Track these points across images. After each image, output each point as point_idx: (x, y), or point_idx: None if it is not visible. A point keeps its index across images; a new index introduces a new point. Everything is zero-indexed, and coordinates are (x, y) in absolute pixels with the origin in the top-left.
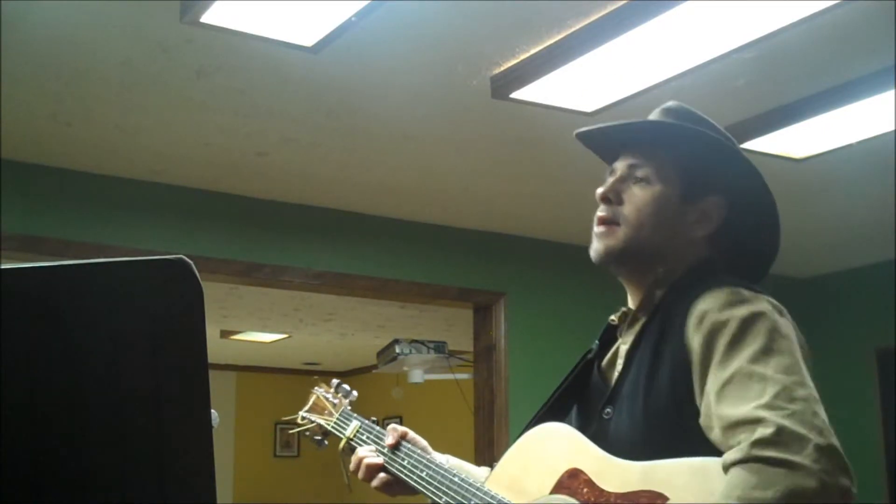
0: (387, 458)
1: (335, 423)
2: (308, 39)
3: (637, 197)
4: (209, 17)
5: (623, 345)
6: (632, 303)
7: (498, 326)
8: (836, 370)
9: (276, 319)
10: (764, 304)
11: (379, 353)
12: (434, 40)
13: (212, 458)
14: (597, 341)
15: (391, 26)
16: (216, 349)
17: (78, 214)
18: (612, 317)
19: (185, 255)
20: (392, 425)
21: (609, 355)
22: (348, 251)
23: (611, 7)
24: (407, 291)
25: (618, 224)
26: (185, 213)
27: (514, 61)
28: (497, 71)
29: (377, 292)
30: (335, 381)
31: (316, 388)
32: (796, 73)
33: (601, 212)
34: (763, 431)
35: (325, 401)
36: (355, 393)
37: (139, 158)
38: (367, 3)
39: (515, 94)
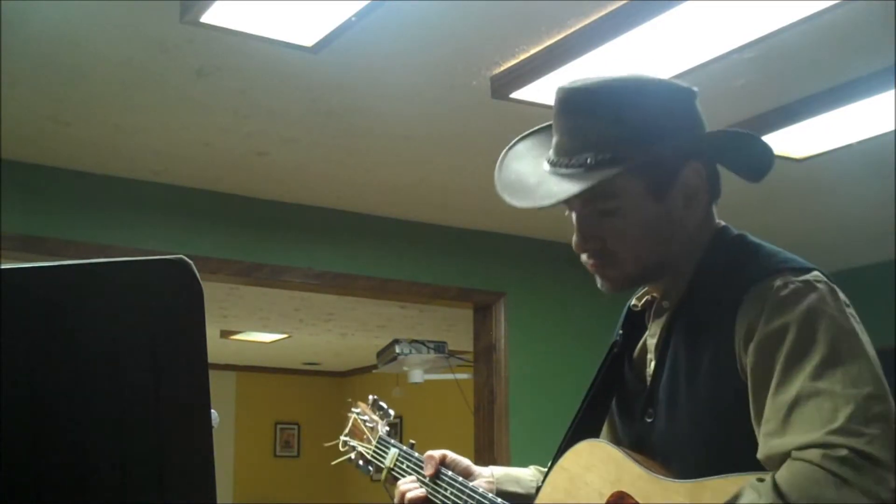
0: (429, 490)
1: (374, 451)
2: (308, 39)
3: (615, 230)
4: (209, 17)
5: (651, 338)
6: (653, 289)
7: (498, 326)
8: None
9: (276, 319)
10: (816, 291)
11: (379, 353)
12: (434, 40)
13: (212, 458)
14: (620, 331)
15: (391, 26)
16: (216, 349)
17: (78, 214)
18: (634, 301)
19: (185, 255)
20: (429, 453)
21: (639, 348)
22: (348, 251)
23: (611, 7)
24: (407, 291)
25: (612, 263)
26: (185, 213)
27: (514, 61)
28: (497, 71)
29: (377, 292)
30: (372, 398)
31: (353, 408)
32: (796, 73)
33: (588, 260)
34: (839, 451)
35: (362, 424)
36: (391, 412)
37: (139, 158)
38: (367, 3)
39: (515, 94)
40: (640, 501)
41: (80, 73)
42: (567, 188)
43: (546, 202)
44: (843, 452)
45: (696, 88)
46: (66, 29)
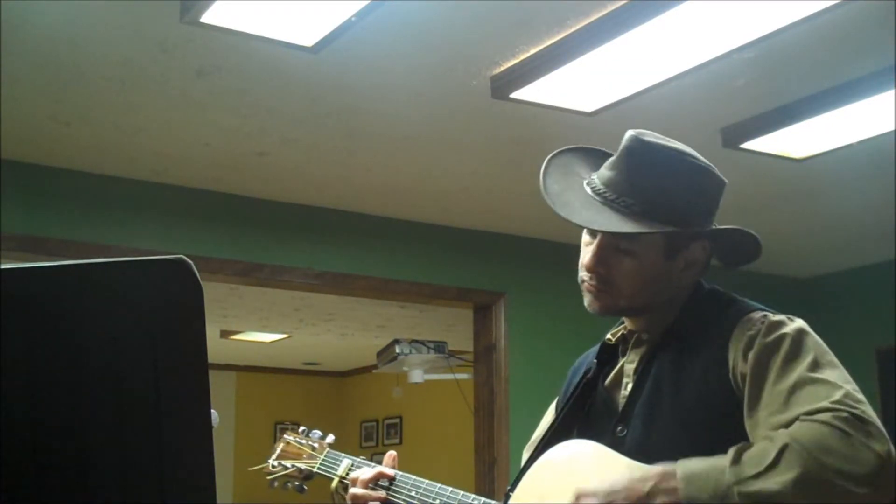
0: (390, 492)
1: (321, 464)
2: (308, 39)
3: (625, 269)
4: (209, 17)
5: (629, 364)
6: (631, 324)
7: (498, 326)
8: None
9: (276, 319)
10: (799, 321)
11: (379, 353)
12: (434, 40)
13: (212, 458)
14: (594, 360)
15: (391, 26)
16: (216, 349)
17: (78, 214)
18: (609, 336)
19: (185, 255)
20: (385, 461)
21: (612, 375)
22: (348, 251)
23: (611, 7)
24: (407, 291)
25: (608, 291)
26: (185, 213)
27: (514, 61)
28: (497, 71)
29: (377, 292)
30: (303, 429)
31: (285, 435)
32: (796, 73)
33: (590, 281)
34: (841, 413)
35: (299, 446)
36: (332, 436)
37: (139, 158)
38: (367, 3)
39: (515, 94)
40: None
41: (80, 73)
42: (612, 222)
43: (589, 225)
44: (846, 414)
45: (726, 180)
46: (66, 29)
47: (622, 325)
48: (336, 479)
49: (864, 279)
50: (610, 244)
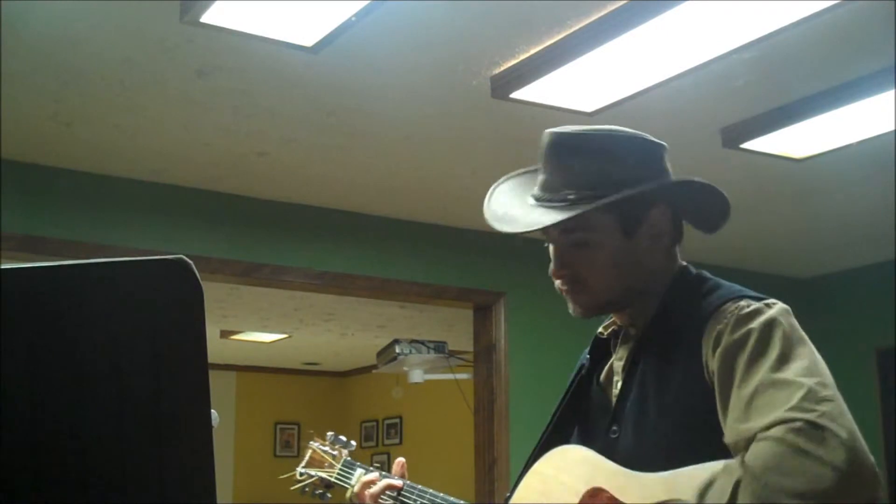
0: (395, 502)
1: (338, 474)
2: (308, 39)
3: (588, 261)
4: (209, 17)
5: (618, 360)
6: (618, 319)
7: (498, 326)
8: (836, 370)
9: (276, 319)
10: (772, 309)
11: (379, 353)
12: (434, 40)
13: (212, 458)
14: (587, 356)
15: (391, 26)
16: (216, 349)
17: (78, 214)
18: (601, 329)
19: (185, 255)
20: (393, 470)
21: (605, 370)
22: (348, 251)
23: (611, 7)
24: (407, 291)
25: (583, 290)
26: (185, 213)
27: (514, 61)
28: (497, 71)
29: (377, 292)
30: (330, 434)
31: (311, 441)
32: (796, 73)
33: (562, 286)
34: (795, 424)
35: (322, 454)
36: (353, 443)
37: (139, 158)
38: (367, 3)
39: (515, 94)
40: (615, 495)
41: (80, 73)
42: (549, 217)
43: (529, 228)
44: (799, 424)
45: (665, 143)
46: (66, 29)
47: (613, 320)
48: (350, 490)
49: (864, 279)
50: (563, 242)
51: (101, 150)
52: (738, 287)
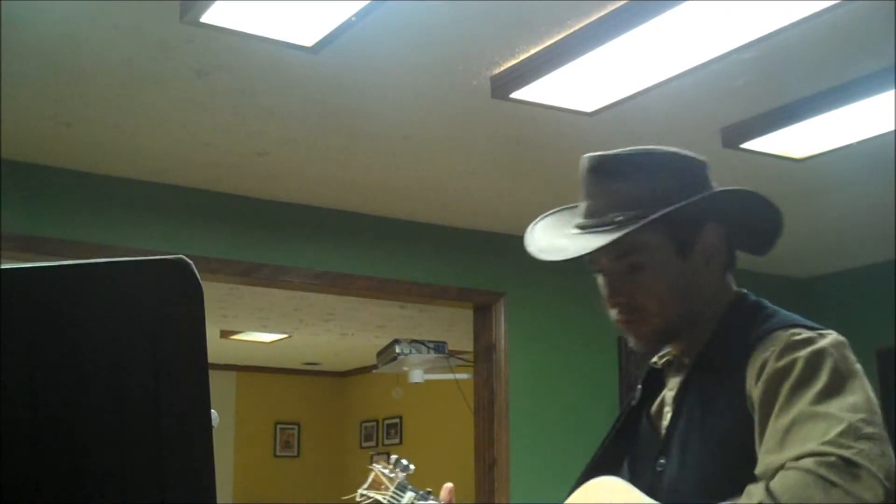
0: None
1: (391, 497)
2: (308, 39)
3: (643, 285)
4: (209, 17)
5: (669, 391)
6: (674, 348)
7: (498, 326)
8: None
9: (276, 319)
10: (824, 340)
11: (379, 353)
12: (434, 40)
13: (212, 458)
14: (639, 387)
15: (391, 26)
16: (216, 349)
17: (78, 214)
18: (655, 359)
19: (185, 255)
20: (441, 495)
21: (657, 403)
22: (348, 251)
23: (611, 7)
24: (407, 291)
25: (640, 318)
26: (185, 213)
27: (514, 61)
28: (497, 71)
29: (377, 292)
30: (394, 457)
31: (374, 464)
32: (796, 73)
33: (619, 315)
34: (828, 458)
35: (381, 476)
36: (412, 466)
37: (139, 158)
38: (367, 3)
39: (515, 94)
40: None
41: (81, 74)
42: (599, 241)
43: (579, 253)
44: (832, 459)
45: (706, 160)
46: (66, 29)
47: (669, 350)
48: None
49: (864, 279)
50: (616, 269)
51: (101, 150)
52: (795, 317)
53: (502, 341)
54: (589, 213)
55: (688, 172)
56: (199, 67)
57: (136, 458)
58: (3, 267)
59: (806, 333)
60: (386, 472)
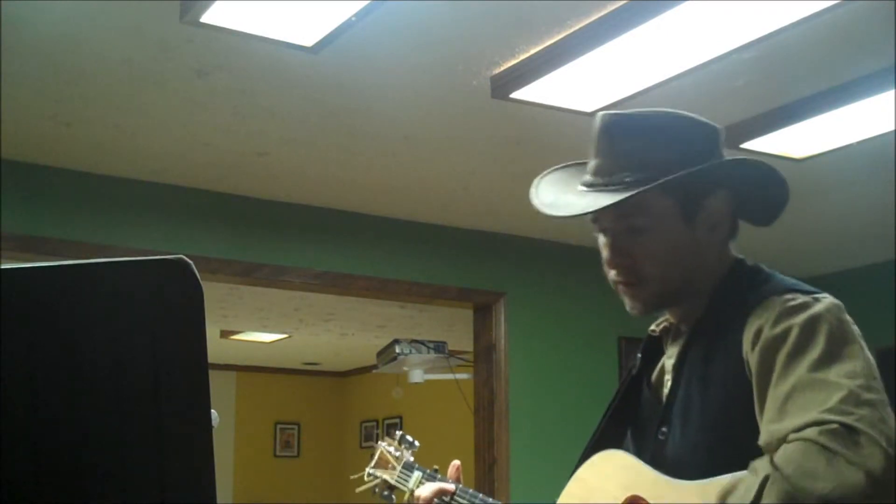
0: None
1: (398, 476)
2: (308, 39)
3: (645, 248)
4: (209, 17)
5: (668, 359)
6: (672, 315)
7: (498, 326)
8: None
9: (276, 319)
10: (820, 304)
11: (379, 353)
12: (434, 40)
13: (212, 458)
14: (639, 355)
15: (391, 26)
16: (216, 349)
17: (78, 214)
18: (653, 327)
19: (185, 255)
20: (449, 472)
21: (657, 371)
22: (348, 251)
23: (611, 7)
24: (407, 291)
25: (639, 281)
26: (185, 213)
27: (514, 61)
28: (497, 71)
29: (377, 292)
30: (398, 434)
31: (380, 442)
32: (796, 73)
33: (617, 277)
34: (829, 426)
35: (388, 455)
36: (417, 443)
37: (139, 158)
38: (367, 3)
39: (515, 94)
40: (652, 503)
41: (81, 73)
42: (606, 199)
43: (586, 210)
44: (834, 426)
45: (720, 127)
46: (66, 29)
47: (665, 317)
48: (408, 493)
49: (864, 279)
50: (619, 229)
51: (101, 150)
52: (791, 280)
53: (502, 341)
54: (598, 172)
55: (700, 138)
56: (199, 67)
57: (136, 458)
58: (3, 267)
59: (801, 298)
60: (391, 449)
